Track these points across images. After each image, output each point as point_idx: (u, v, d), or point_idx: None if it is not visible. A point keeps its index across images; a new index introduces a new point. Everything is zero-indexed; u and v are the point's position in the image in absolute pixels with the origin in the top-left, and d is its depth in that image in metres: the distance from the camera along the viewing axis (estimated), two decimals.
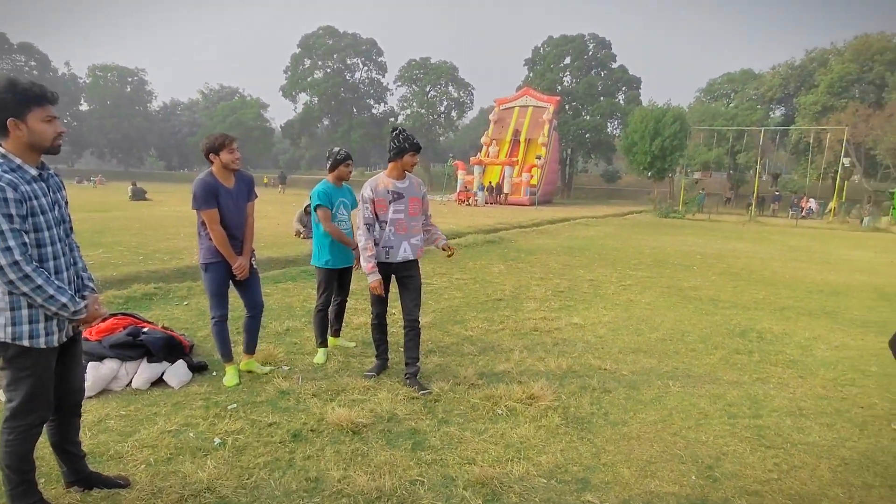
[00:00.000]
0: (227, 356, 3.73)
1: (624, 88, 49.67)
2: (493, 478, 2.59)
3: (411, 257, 3.73)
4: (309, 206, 4.29)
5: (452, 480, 2.61)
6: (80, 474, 2.40)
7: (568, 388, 3.78)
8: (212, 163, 3.50)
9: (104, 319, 3.69)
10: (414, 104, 56.76)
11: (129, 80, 63.82)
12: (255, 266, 3.74)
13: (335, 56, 57.12)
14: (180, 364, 3.73)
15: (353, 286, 4.60)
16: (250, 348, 3.87)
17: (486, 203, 27.82)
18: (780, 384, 4.04)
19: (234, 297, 3.81)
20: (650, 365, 4.36)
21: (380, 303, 3.85)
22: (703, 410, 3.52)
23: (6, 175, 1.91)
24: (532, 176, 30.98)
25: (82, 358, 2.44)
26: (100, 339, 3.67)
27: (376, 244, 3.68)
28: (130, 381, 3.55)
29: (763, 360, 4.61)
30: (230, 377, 3.69)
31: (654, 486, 2.63)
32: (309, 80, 57.01)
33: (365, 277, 3.70)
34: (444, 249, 3.93)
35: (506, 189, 30.32)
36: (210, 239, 3.48)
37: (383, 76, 60.38)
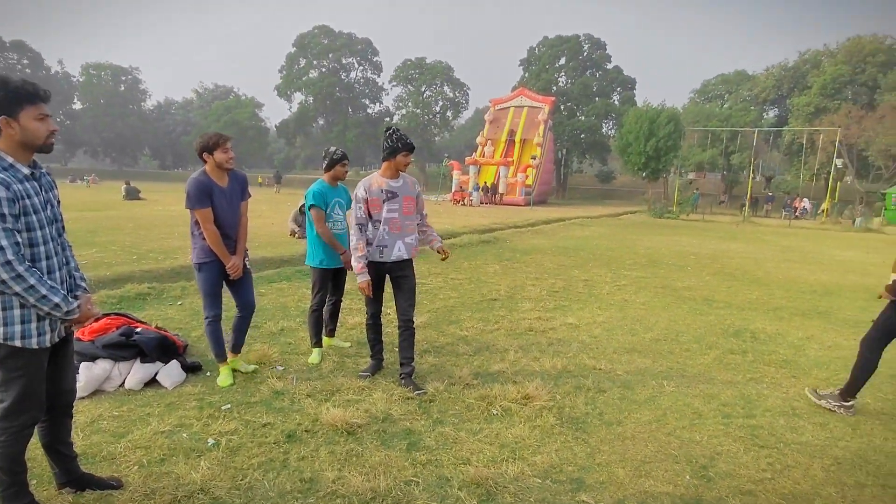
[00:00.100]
0: (221, 356, 3.72)
1: (619, 89, 49.85)
2: (487, 478, 2.59)
3: (406, 256, 3.72)
4: (304, 205, 4.28)
5: (447, 481, 2.60)
6: (72, 475, 2.39)
7: (563, 388, 3.79)
8: (205, 162, 3.48)
9: (97, 319, 3.67)
10: (409, 104, 56.78)
11: (123, 78, 63.51)
12: (248, 266, 3.73)
13: (330, 55, 57.04)
14: (174, 364, 3.71)
15: (347, 286, 4.59)
16: (237, 347, 3.85)
17: (482, 203, 27.83)
18: (773, 384, 4.06)
19: (228, 297, 3.80)
20: (645, 365, 4.37)
21: (374, 303, 3.84)
22: (698, 410, 3.53)
23: None
24: (527, 176, 31.05)
25: (74, 358, 2.42)
26: (92, 340, 3.65)
27: (370, 244, 3.67)
28: (123, 382, 3.53)
29: (757, 360, 4.63)
30: (224, 377, 3.67)
31: (649, 485, 2.64)
32: (304, 79, 56.91)
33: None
34: (438, 252, 3.93)
35: (501, 189, 30.37)
36: (204, 238, 3.47)
37: (379, 76, 60.40)
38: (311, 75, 57.28)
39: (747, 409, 3.58)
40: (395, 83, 57.75)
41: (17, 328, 2.00)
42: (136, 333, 3.78)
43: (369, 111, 60.48)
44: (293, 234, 10.20)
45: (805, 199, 31.52)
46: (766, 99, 46.40)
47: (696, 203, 29.43)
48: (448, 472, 2.67)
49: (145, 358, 3.63)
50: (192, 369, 3.82)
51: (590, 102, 47.93)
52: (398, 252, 3.68)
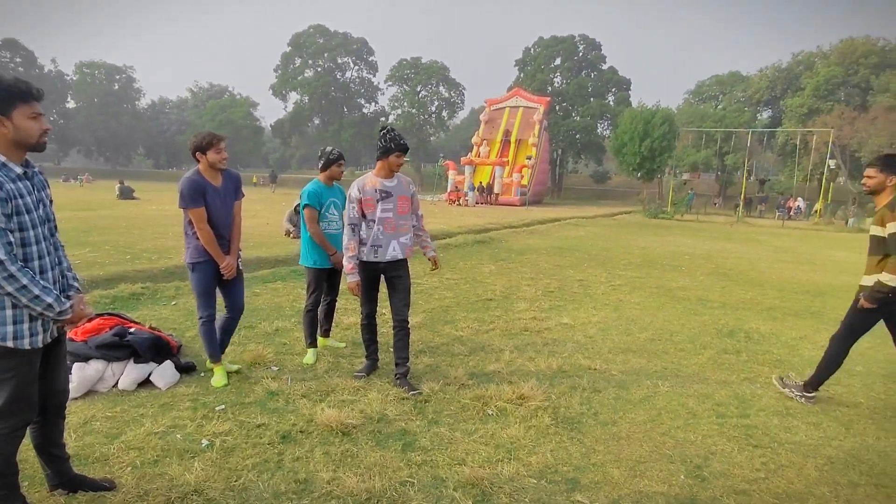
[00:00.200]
0: (215, 357, 3.70)
1: (614, 90, 50.04)
2: (483, 478, 2.59)
3: (400, 256, 3.71)
4: (299, 205, 4.26)
5: (442, 481, 2.60)
6: (64, 477, 2.37)
7: (558, 388, 3.79)
8: (199, 161, 3.47)
9: (90, 319, 3.65)
10: (405, 104, 56.74)
11: (117, 77, 63.23)
12: (240, 267, 3.70)
13: (326, 55, 56.99)
14: (168, 365, 3.69)
15: (342, 286, 4.58)
16: (222, 347, 3.82)
17: (477, 203, 27.87)
18: (767, 384, 4.08)
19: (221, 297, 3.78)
20: (639, 365, 4.38)
21: (369, 303, 3.83)
22: (692, 410, 3.54)
23: None
24: (522, 176, 31.10)
25: (67, 359, 2.40)
26: (85, 340, 3.62)
27: (364, 243, 3.65)
28: (117, 383, 3.51)
29: (751, 359, 4.65)
30: (218, 378, 3.65)
31: (644, 485, 2.64)
32: (299, 78, 56.82)
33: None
34: (430, 261, 3.93)
35: (496, 189, 30.41)
36: (197, 238, 3.45)
37: (374, 75, 60.39)
38: (306, 75, 57.20)
39: (741, 409, 3.59)
40: (390, 83, 57.76)
41: (9, 328, 1.98)
42: (130, 334, 3.75)
43: (365, 111, 60.44)
44: (288, 234, 10.16)
45: (799, 199, 31.70)
46: (759, 100, 46.68)
47: (690, 203, 29.55)
48: (443, 473, 2.67)
49: (139, 358, 3.60)
50: (186, 370, 3.80)
51: (585, 103, 48.09)
52: (393, 252, 3.67)
